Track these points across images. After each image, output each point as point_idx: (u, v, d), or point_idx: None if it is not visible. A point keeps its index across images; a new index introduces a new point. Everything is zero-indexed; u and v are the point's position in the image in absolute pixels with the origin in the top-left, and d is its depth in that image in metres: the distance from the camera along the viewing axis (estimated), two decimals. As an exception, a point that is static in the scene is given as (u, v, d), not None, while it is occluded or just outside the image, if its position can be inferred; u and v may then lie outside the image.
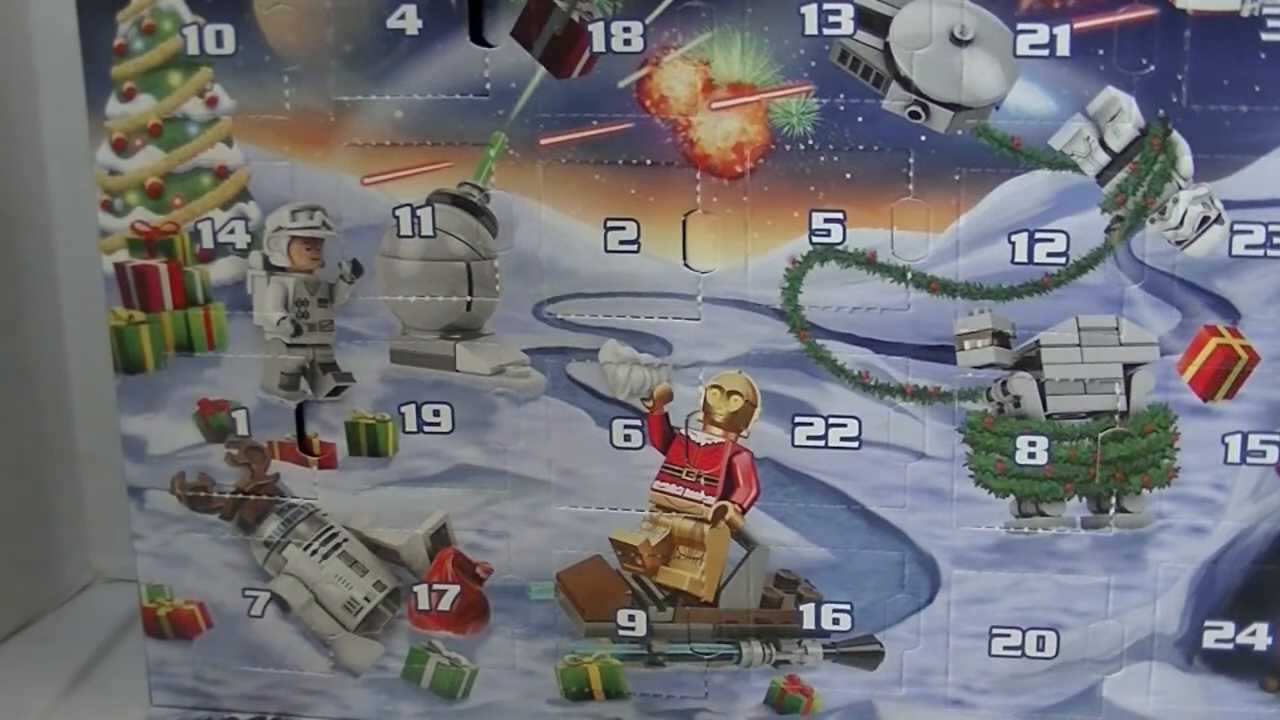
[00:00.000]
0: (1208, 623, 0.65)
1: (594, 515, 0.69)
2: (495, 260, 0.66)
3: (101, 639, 0.82)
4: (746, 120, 0.63)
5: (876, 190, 0.62)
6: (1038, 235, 0.62)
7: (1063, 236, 0.61)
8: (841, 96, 0.62)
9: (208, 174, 0.68)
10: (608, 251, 0.65)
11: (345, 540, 0.71)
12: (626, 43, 0.63)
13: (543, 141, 0.64)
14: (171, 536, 0.72)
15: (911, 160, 0.62)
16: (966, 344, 0.64)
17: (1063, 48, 0.60)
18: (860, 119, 0.62)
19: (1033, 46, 0.60)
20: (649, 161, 0.64)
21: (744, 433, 0.66)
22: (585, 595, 0.70)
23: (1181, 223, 0.60)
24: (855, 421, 0.65)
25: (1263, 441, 0.63)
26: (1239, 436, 0.62)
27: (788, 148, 0.63)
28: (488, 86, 0.64)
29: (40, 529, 0.87)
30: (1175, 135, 0.60)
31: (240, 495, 0.71)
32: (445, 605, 0.71)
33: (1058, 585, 0.66)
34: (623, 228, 0.65)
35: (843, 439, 0.66)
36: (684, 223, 0.64)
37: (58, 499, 0.89)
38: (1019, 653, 0.66)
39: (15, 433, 0.85)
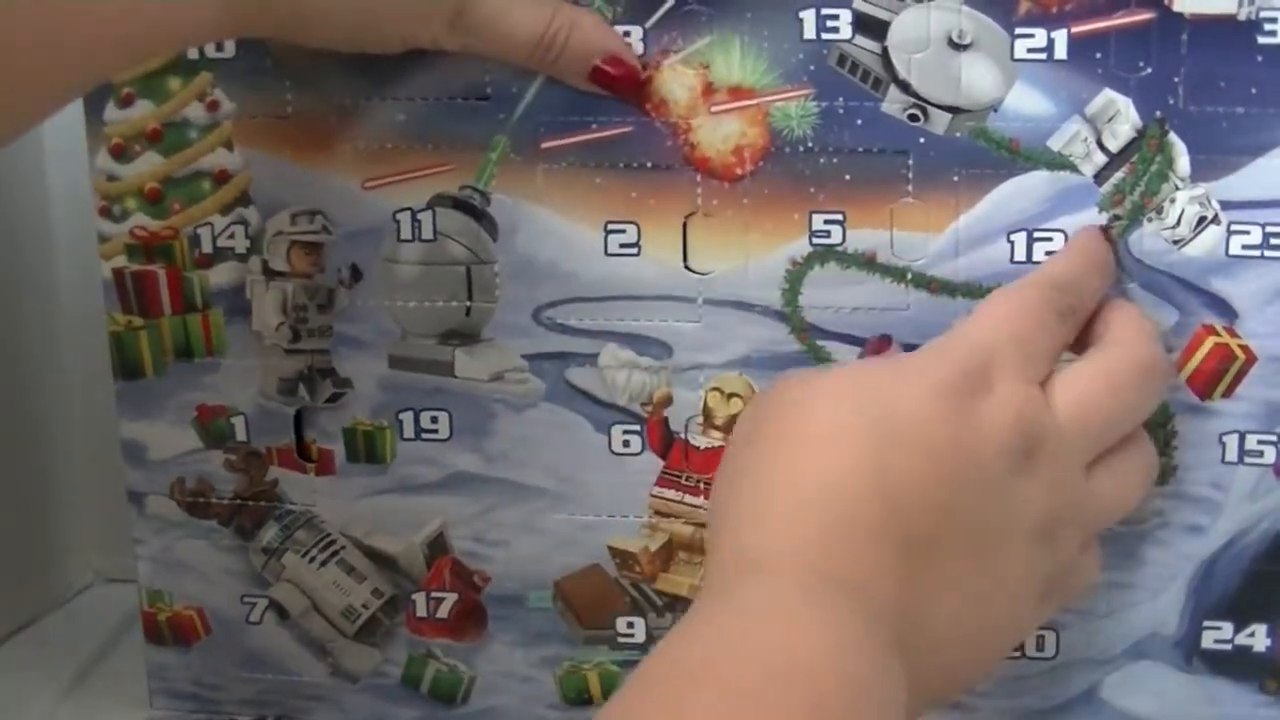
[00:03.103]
0: (1206, 623, 0.65)
1: (592, 523, 0.69)
2: (495, 265, 0.66)
3: (101, 640, 0.82)
4: (746, 123, 0.63)
5: (876, 192, 0.63)
6: (1036, 234, 0.62)
7: (1061, 236, 0.62)
8: (841, 100, 0.62)
9: (207, 179, 0.68)
10: (608, 255, 0.65)
11: (343, 547, 0.71)
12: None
13: (543, 145, 0.65)
14: (171, 542, 0.72)
15: (911, 162, 0.62)
16: (965, 345, 0.64)
17: (1060, 51, 0.60)
18: (859, 122, 0.62)
19: (1030, 50, 0.61)
20: (649, 165, 0.64)
21: (744, 436, 0.66)
22: (583, 603, 0.70)
23: (1179, 222, 0.61)
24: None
25: (1260, 442, 0.63)
26: (1236, 436, 0.63)
27: (787, 150, 0.63)
28: (489, 90, 0.65)
29: (40, 529, 0.87)
30: (1172, 136, 0.60)
31: (239, 501, 0.71)
32: (443, 613, 0.71)
33: (1057, 586, 0.66)
34: (623, 231, 0.65)
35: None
36: (684, 225, 0.65)
37: (58, 499, 0.89)
38: (1019, 654, 0.66)
39: (15, 434, 0.85)
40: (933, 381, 0.53)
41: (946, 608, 0.52)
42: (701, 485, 0.67)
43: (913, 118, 0.62)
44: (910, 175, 0.62)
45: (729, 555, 0.52)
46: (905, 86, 0.62)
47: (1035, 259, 0.62)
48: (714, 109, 0.64)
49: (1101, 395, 0.56)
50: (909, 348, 0.64)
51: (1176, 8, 0.59)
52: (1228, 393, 0.62)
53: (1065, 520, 0.55)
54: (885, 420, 0.52)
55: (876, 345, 0.63)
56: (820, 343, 0.65)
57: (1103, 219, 0.61)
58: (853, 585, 0.49)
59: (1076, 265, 0.60)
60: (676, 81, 0.64)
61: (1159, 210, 0.61)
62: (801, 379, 0.56)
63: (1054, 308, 0.57)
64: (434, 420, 0.69)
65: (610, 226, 0.65)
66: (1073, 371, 0.56)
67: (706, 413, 0.66)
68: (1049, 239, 0.62)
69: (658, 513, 0.68)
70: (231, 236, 0.69)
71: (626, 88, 0.63)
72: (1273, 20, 0.59)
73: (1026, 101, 0.61)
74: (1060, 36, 0.60)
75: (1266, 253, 0.61)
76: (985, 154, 0.62)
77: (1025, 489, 0.53)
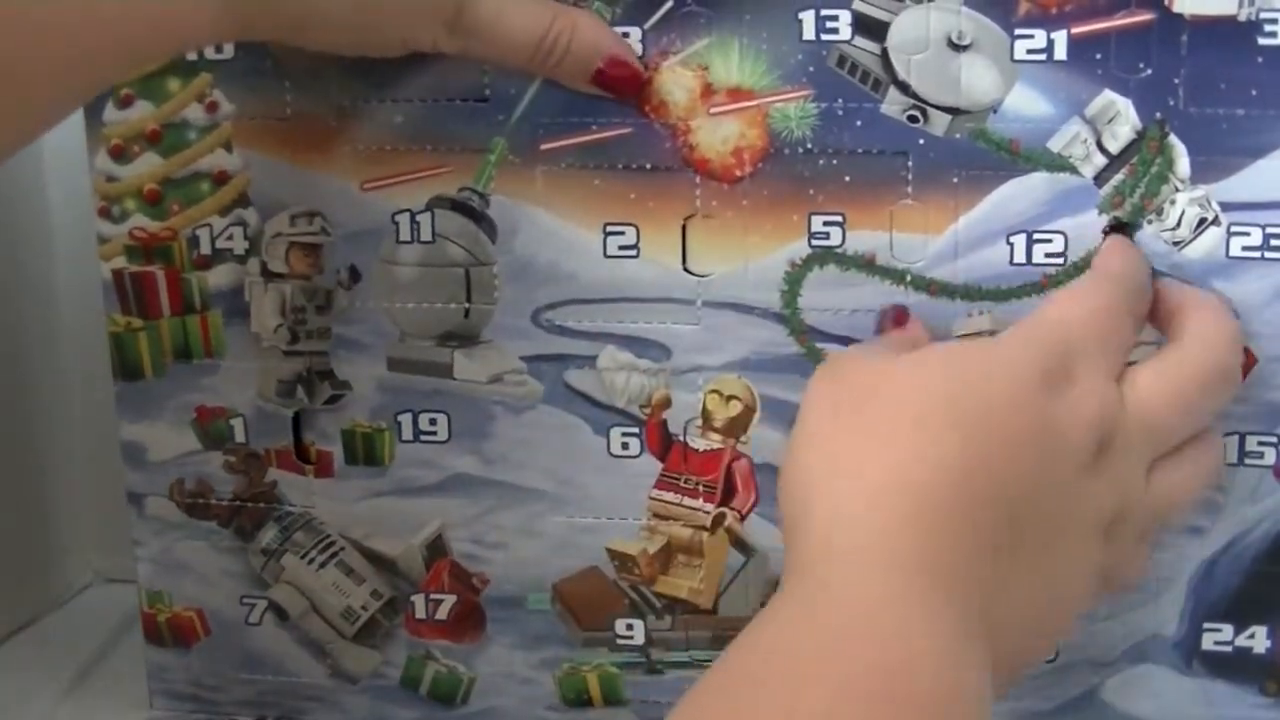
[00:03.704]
0: (1206, 624, 0.65)
1: (591, 525, 0.69)
2: (494, 266, 0.66)
3: (101, 640, 0.82)
4: (745, 125, 0.63)
5: (875, 193, 0.63)
6: (1036, 236, 0.62)
7: (1061, 237, 0.62)
8: (840, 101, 0.62)
9: (206, 180, 0.68)
10: (607, 257, 0.65)
11: (342, 549, 0.71)
12: (625, 48, 0.63)
13: (542, 147, 0.65)
14: (171, 543, 0.72)
15: (910, 163, 0.62)
16: (965, 346, 0.64)
17: (1060, 52, 0.60)
18: (859, 123, 0.62)
19: (1030, 51, 0.61)
20: (648, 166, 0.64)
21: (743, 438, 0.66)
22: (582, 605, 0.70)
23: (1179, 224, 0.61)
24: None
25: (1260, 443, 0.63)
26: (1236, 438, 0.63)
27: (786, 152, 0.63)
28: (487, 92, 0.65)
29: (40, 529, 0.87)
30: (1172, 138, 0.60)
31: (238, 503, 0.71)
32: (442, 615, 0.71)
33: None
34: (622, 232, 0.65)
35: (841, 444, 0.65)
36: (683, 227, 0.65)
37: (58, 499, 0.89)
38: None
39: (15, 434, 0.85)
40: (1021, 372, 0.53)
41: (1013, 598, 0.52)
42: (700, 488, 0.67)
43: (912, 119, 0.62)
44: (910, 177, 0.62)
45: (820, 531, 0.51)
46: (905, 87, 0.62)
47: (1035, 261, 0.62)
48: (713, 110, 0.63)
49: (1172, 400, 0.56)
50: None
51: (1176, 9, 0.59)
52: (1228, 394, 0.62)
53: (1124, 517, 0.55)
54: (976, 408, 0.52)
55: (896, 316, 0.63)
56: (819, 345, 0.64)
57: (1103, 220, 0.61)
58: (946, 575, 0.49)
59: (1131, 267, 0.60)
60: (675, 83, 0.63)
61: (1159, 212, 0.61)
62: (881, 355, 0.57)
63: (1127, 308, 0.58)
64: (433, 422, 0.69)
65: (609, 228, 0.65)
66: (1147, 372, 0.57)
67: (705, 415, 0.66)
68: (1048, 241, 0.62)
69: (656, 515, 0.68)
70: (230, 238, 0.68)
71: (629, 89, 0.63)
72: (1273, 21, 0.58)
73: (1026, 103, 0.61)
74: (1060, 37, 0.60)
75: (1266, 254, 0.61)
76: (985, 155, 0.62)
77: (1093, 485, 0.54)
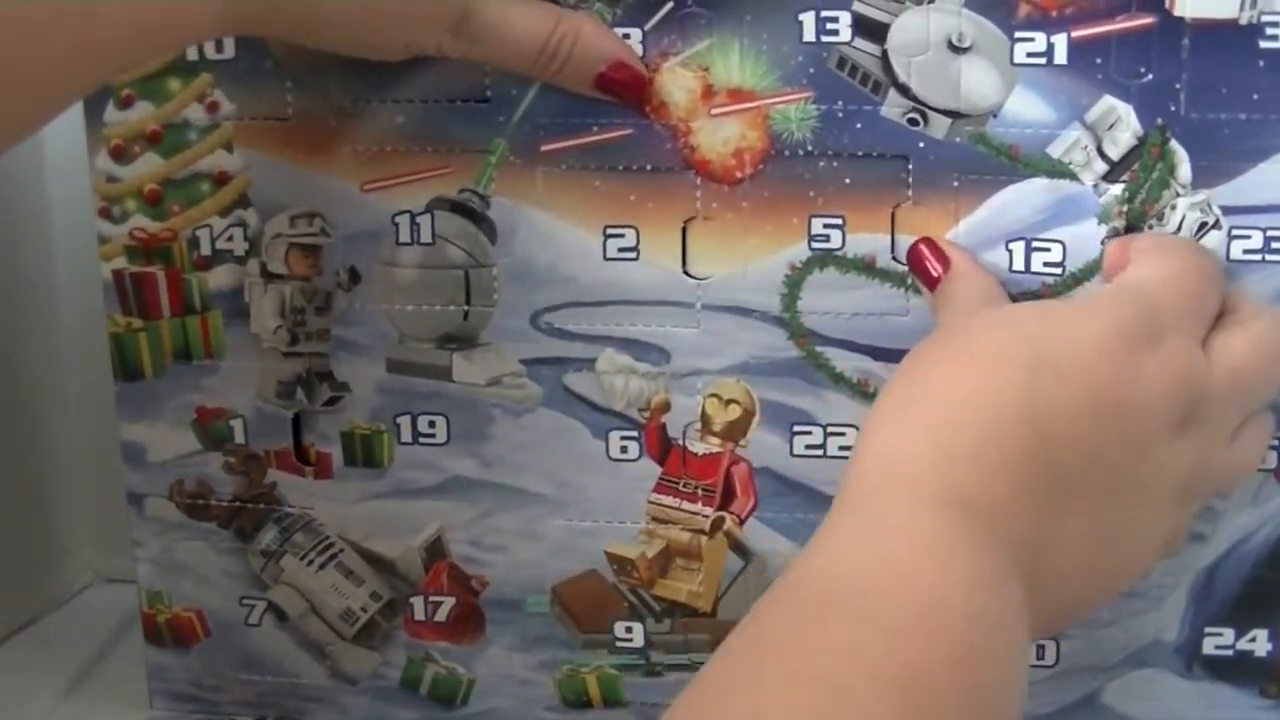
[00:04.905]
0: (1207, 629, 0.65)
1: (590, 528, 0.69)
2: (493, 268, 0.66)
3: (101, 640, 0.82)
4: (746, 126, 0.63)
5: (876, 196, 0.63)
6: (1035, 244, 0.62)
7: (1060, 246, 0.61)
8: (840, 103, 0.62)
9: (207, 180, 0.68)
10: (606, 259, 0.65)
11: (341, 550, 0.71)
12: (625, 49, 0.63)
13: (543, 148, 0.65)
14: (171, 544, 0.72)
15: (910, 166, 0.62)
16: (964, 352, 0.64)
17: (1060, 56, 0.60)
18: (859, 125, 0.62)
19: (1030, 55, 0.60)
20: (649, 167, 0.64)
21: (742, 442, 0.66)
22: (581, 608, 0.70)
23: (1180, 228, 0.60)
24: (854, 430, 0.65)
25: (1261, 447, 0.63)
26: (1237, 442, 0.62)
27: (787, 153, 0.63)
28: (488, 93, 0.65)
29: (40, 529, 0.87)
30: (1173, 144, 0.60)
31: (238, 504, 0.71)
32: (441, 616, 0.71)
33: (1057, 593, 0.65)
34: (622, 235, 0.65)
35: (841, 448, 0.65)
36: (684, 230, 0.65)
37: (58, 499, 0.89)
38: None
39: (15, 434, 0.85)
40: (1103, 322, 0.54)
41: (1071, 549, 0.52)
42: (699, 491, 0.67)
43: (912, 121, 0.62)
44: (910, 180, 0.62)
45: (873, 458, 0.52)
46: (905, 90, 0.62)
47: (1034, 269, 0.62)
48: (714, 111, 0.63)
49: (1257, 363, 0.57)
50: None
51: (1178, 12, 0.59)
52: (1229, 398, 0.62)
53: (1204, 483, 0.56)
54: (1049, 351, 0.53)
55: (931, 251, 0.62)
56: (819, 348, 0.64)
57: (1104, 230, 0.61)
58: (991, 512, 0.49)
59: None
60: (676, 84, 0.63)
61: (1160, 217, 0.61)
62: (982, 308, 0.58)
63: (1211, 271, 0.58)
64: (431, 424, 0.69)
65: (609, 230, 0.65)
66: (1228, 337, 0.57)
67: (704, 419, 0.66)
68: (1047, 249, 0.61)
69: (655, 519, 0.68)
70: (230, 239, 0.68)
71: (632, 94, 0.63)
72: (1275, 25, 0.58)
73: (1026, 107, 0.61)
74: (1060, 41, 0.60)
75: (1267, 257, 0.60)
76: (985, 160, 0.61)
77: (1177, 447, 0.54)
